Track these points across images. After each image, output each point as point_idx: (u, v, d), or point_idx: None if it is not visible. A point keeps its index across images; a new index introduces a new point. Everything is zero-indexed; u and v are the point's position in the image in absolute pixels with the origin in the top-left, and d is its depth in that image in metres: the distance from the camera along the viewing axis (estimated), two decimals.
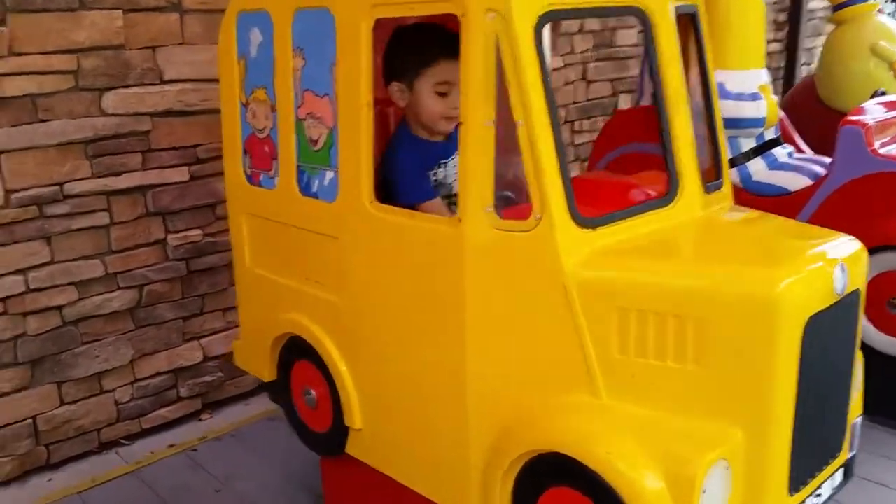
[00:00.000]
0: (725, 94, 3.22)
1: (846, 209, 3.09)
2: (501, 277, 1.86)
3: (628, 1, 1.88)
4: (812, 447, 1.80)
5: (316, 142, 2.23)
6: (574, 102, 5.05)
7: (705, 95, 2.15)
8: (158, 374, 3.49)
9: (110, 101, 3.16)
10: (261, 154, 2.44)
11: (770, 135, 3.46)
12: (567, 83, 4.97)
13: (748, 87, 3.28)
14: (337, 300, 2.26)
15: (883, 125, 3.18)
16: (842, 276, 1.74)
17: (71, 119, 3.08)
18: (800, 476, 1.78)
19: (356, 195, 2.11)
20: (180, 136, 3.39)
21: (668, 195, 1.94)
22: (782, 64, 6.57)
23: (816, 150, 3.69)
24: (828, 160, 3.39)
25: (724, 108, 3.07)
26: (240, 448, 3.19)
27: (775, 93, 6.58)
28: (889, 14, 6.97)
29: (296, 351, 2.49)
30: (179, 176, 3.42)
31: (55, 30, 2.99)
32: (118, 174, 3.23)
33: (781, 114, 3.60)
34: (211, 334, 3.64)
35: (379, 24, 2.00)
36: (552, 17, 1.77)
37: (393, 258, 2.08)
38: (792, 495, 1.77)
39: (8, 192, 2.97)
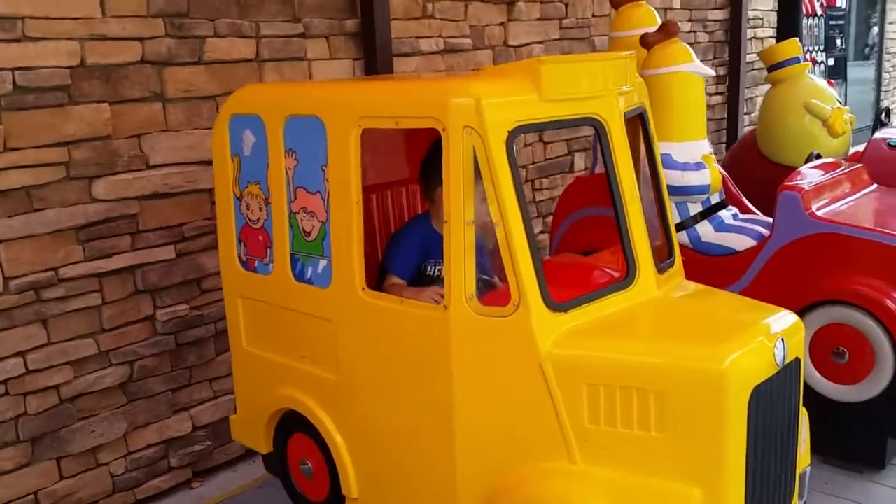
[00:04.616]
0: (672, 165, 3.49)
1: (789, 267, 3.38)
2: (484, 357, 2.10)
3: (586, 113, 2.14)
4: (764, 500, 2.04)
5: (309, 233, 2.45)
6: (533, 163, 5.34)
7: (654, 183, 2.42)
8: (150, 445, 3.62)
9: (100, 187, 3.34)
10: (255, 243, 2.65)
11: (715, 199, 3.76)
12: (526, 145, 5.26)
13: (692, 156, 3.56)
14: (332, 377, 2.46)
15: (818, 188, 3.49)
16: (782, 349, 2.00)
17: (63, 207, 3.25)
18: None
19: (349, 282, 2.33)
20: (166, 217, 3.57)
21: (626, 279, 2.19)
22: (725, 115, 6.99)
23: (761, 199, 3.96)
24: (769, 220, 3.68)
25: (672, 178, 3.36)
26: None
27: (720, 141, 6.92)
28: (819, 74, 7.50)
29: (292, 424, 2.68)
30: (166, 254, 3.59)
31: (46, 125, 3.17)
32: (109, 256, 3.40)
33: (724, 174, 3.89)
34: (199, 404, 3.78)
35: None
36: (521, 131, 2.03)
37: (383, 339, 2.30)
38: None
39: (7, 279, 3.12)
